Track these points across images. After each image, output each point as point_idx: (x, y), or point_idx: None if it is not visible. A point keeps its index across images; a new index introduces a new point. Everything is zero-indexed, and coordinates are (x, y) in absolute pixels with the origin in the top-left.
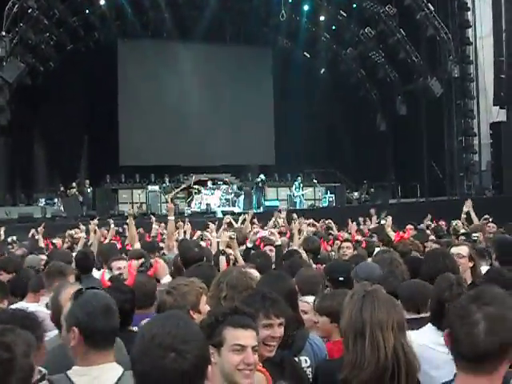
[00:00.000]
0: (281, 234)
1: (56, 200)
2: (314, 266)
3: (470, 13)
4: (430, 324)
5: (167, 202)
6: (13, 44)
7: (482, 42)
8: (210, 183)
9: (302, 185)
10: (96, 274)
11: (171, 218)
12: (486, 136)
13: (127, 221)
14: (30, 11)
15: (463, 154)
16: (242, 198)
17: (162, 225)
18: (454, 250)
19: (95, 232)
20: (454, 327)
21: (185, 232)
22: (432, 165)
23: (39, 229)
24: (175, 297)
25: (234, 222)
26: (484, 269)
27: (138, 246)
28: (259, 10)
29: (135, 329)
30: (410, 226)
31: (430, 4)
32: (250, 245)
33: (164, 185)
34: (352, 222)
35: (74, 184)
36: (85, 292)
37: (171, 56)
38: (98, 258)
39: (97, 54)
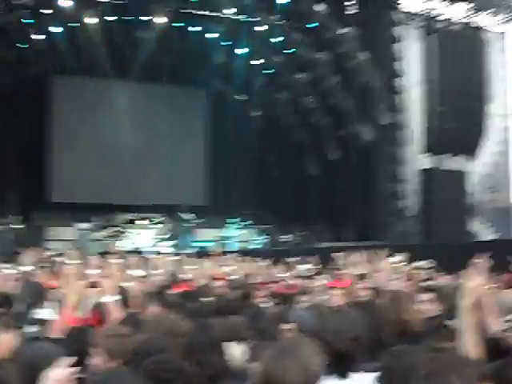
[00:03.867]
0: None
1: None
2: None
3: (400, 62)
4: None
5: (94, 240)
6: None
7: (412, 91)
8: (140, 222)
9: (236, 226)
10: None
11: (113, 261)
12: (415, 182)
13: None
14: None
15: (391, 200)
16: (172, 237)
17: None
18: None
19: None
20: None
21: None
22: (361, 209)
23: None
24: None
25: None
26: None
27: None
28: (195, 52)
29: None
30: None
31: (362, 52)
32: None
33: (94, 223)
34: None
35: (1, 220)
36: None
37: (106, 94)
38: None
39: (31, 88)
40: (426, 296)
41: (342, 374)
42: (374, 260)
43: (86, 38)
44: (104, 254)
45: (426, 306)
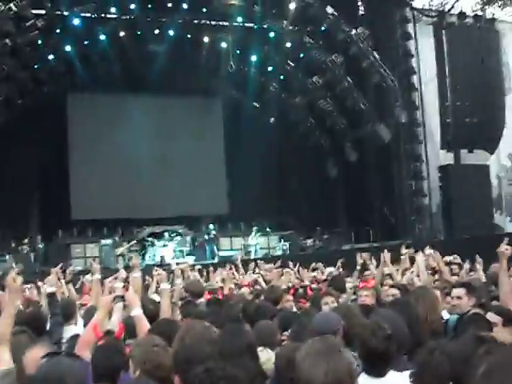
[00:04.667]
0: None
1: (7, 257)
2: None
3: (414, 59)
4: (363, 373)
5: (117, 256)
6: None
7: (427, 88)
8: (164, 235)
9: (259, 233)
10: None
11: (137, 274)
12: (435, 179)
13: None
14: None
15: (413, 198)
16: (196, 248)
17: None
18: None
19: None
20: None
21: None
22: (383, 209)
23: None
24: None
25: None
26: None
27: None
28: (208, 62)
29: None
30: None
31: (375, 52)
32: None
33: (116, 238)
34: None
35: (25, 240)
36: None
37: (122, 109)
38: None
39: (46, 108)
40: (457, 291)
41: (378, 373)
42: (402, 259)
43: (98, 54)
44: (128, 268)
45: (458, 302)
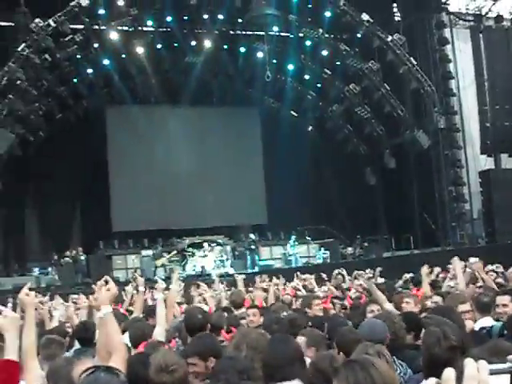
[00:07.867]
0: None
1: (50, 269)
2: None
3: (451, 64)
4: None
5: (158, 267)
6: (2, 115)
7: (465, 93)
8: (204, 245)
9: (296, 242)
10: None
11: (174, 287)
12: (476, 184)
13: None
14: (18, 82)
15: (454, 204)
16: (237, 258)
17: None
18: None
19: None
20: None
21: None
22: (424, 216)
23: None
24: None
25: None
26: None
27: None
28: (245, 72)
29: None
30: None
31: (412, 58)
32: None
33: (155, 250)
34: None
35: (67, 252)
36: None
37: (160, 121)
38: None
39: (86, 121)
40: (501, 299)
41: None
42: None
43: (136, 67)
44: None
45: (504, 309)
